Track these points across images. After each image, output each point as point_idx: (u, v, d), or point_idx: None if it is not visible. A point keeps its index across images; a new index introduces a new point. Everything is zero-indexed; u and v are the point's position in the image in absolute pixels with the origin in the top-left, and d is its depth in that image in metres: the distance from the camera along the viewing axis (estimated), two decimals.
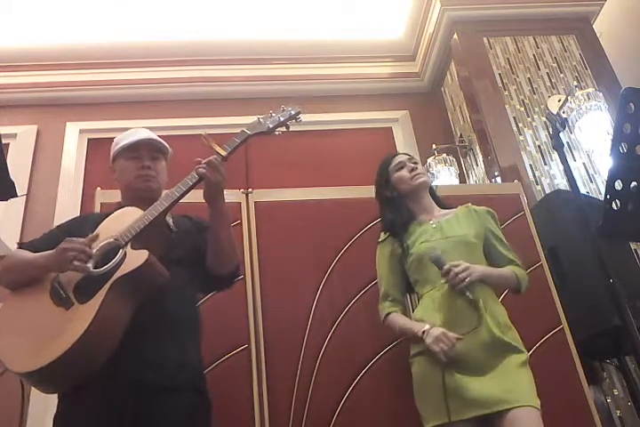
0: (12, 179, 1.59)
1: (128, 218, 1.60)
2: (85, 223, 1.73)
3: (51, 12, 3.66)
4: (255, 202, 2.42)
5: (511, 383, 1.68)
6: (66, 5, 3.64)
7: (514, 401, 1.64)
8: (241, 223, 2.36)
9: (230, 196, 2.37)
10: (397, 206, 2.01)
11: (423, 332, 1.73)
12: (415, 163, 2.05)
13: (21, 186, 3.27)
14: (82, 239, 1.50)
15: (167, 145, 1.87)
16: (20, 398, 1.63)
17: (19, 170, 3.37)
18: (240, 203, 2.40)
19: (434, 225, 1.94)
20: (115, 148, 1.84)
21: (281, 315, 2.21)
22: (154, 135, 1.85)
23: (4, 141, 1.57)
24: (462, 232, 1.90)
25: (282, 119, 1.75)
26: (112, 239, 1.54)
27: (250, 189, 2.46)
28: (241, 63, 4.00)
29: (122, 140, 1.83)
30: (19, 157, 3.51)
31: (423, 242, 1.90)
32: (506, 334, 1.77)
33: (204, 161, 1.61)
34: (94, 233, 1.55)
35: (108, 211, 1.82)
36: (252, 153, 3.62)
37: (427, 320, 1.78)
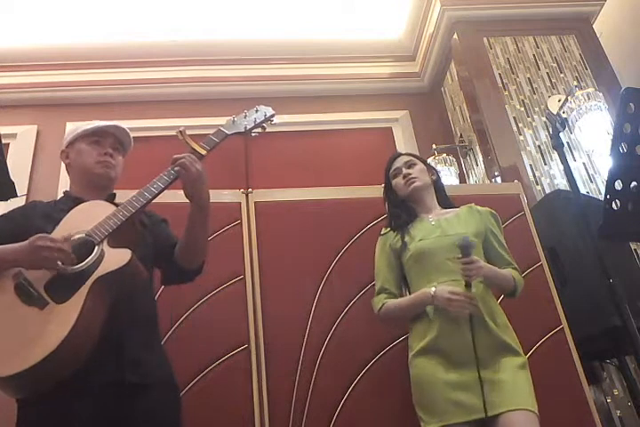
0: (12, 179, 1.58)
1: (98, 212, 1.53)
2: (34, 215, 1.64)
3: (51, 12, 3.66)
4: (255, 202, 2.42)
5: (513, 385, 1.68)
6: (66, 5, 3.64)
7: (511, 404, 1.63)
8: (241, 223, 2.36)
9: (230, 196, 2.38)
10: (401, 206, 2.04)
11: (432, 296, 1.75)
12: (410, 166, 2.05)
13: (21, 186, 3.27)
14: (57, 238, 1.42)
15: (131, 139, 1.84)
16: None
17: (19, 170, 3.37)
18: (240, 203, 2.40)
19: (433, 222, 1.95)
20: (74, 132, 1.79)
21: (281, 315, 2.21)
22: (122, 126, 1.81)
23: (4, 141, 1.55)
24: (462, 230, 1.90)
25: (257, 121, 1.78)
26: (83, 235, 1.47)
27: (250, 189, 2.46)
28: (240, 63, 4.00)
29: (83, 126, 1.78)
30: (19, 157, 3.51)
31: (421, 239, 1.90)
32: (506, 333, 1.78)
33: (179, 156, 1.59)
34: (67, 233, 1.45)
35: (54, 200, 1.77)
36: (252, 153, 3.62)
37: (426, 325, 1.79)
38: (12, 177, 1.58)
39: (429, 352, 1.75)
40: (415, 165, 2.07)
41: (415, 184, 2.01)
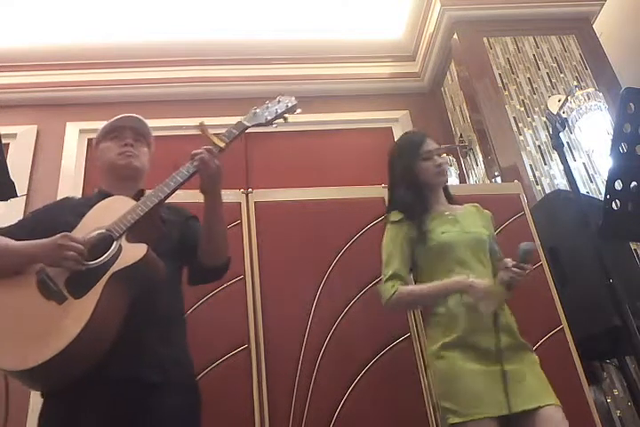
0: (12, 179, 1.58)
1: (119, 207, 1.54)
2: (64, 209, 1.67)
3: (51, 12, 3.66)
4: (255, 202, 2.42)
5: (539, 380, 1.71)
6: (66, 5, 3.64)
7: (546, 399, 1.66)
8: (241, 223, 2.36)
9: (230, 196, 2.38)
10: (417, 193, 1.95)
11: (470, 286, 1.73)
12: (440, 155, 2.00)
13: (21, 186, 3.27)
14: (80, 238, 1.44)
15: (150, 129, 1.84)
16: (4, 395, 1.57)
17: (19, 170, 3.37)
18: (240, 203, 2.40)
19: (450, 217, 1.94)
20: (97, 134, 1.82)
21: (281, 315, 2.21)
22: (138, 116, 1.82)
23: (4, 141, 1.55)
24: (478, 229, 1.92)
25: (279, 111, 1.72)
26: (103, 230, 1.48)
27: (250, 189, 2.46)
28: (241, 63, 4.00)
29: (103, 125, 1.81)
30: (19, 157, 3.51)
31: (444, 232, 1.88)
32: (519, 334, 1.80)
33: (198, 151, 1.57)
34: (89, 233, 1.48)
35: (87, 196, 1.78)
36: (252, 153, 3.63)
37: (452, 318, 1.77)
38: (12, 177, 1.58)
39: (459, 346, 1.72)
40: (442, 155, 2.02)
41: (445, 178, 1.99)
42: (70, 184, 3.50)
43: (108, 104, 3.78)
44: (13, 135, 3.61)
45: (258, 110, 1.72)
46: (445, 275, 1.82)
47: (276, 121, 1.72)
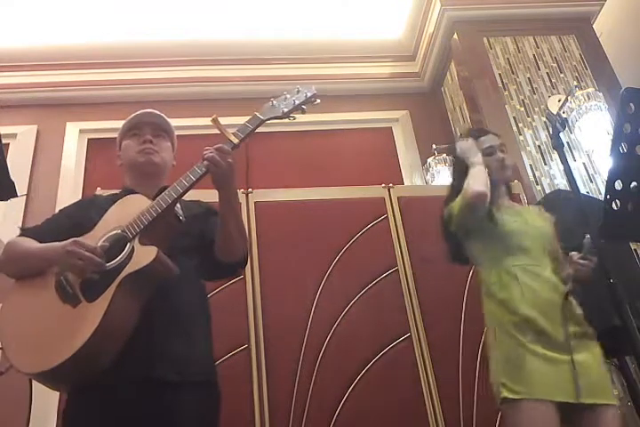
0: (12, 179, 1.58)
1: (134, 206, 1.54)
2: (91, 208, 1.67)
3: (51, 12, 3.66)
4: (255, 202, 2.42)
5: (606, 373, 1.71)
6: (66, 5, 3.64)
7: (607, 396, 1.67)
8: None
9: None
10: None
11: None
12: (503, 150, 2.03)
13: (21, 186, 3.27)
14: (91, 245, 1.43)
15: (170, 123, 1.84)
16: (27, 394, 1.61)
17: (19, 170, 3.37)
18: (240, 203, 2.40)
19: (512, 210, 1.94)
20: (118, 132, 1.82)
21: (281, 315, 2.21)
22: (157, 112, 1.82)
23: (4, 141, 1.55)
24: (541, 224, 1.92)
25: (297, 102, 1.62)
26: (119, 231, 1.48)
27: (250, 189, 2.46)
28: (241, 63, 4.00)
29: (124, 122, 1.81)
30: (19, 157, 3.51)
31: (512, 222, 1.88)
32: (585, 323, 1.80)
33: (209, 152, 1.54)
34: (101, 238, 1.48)
35: (115, 193, 1.76)
36: (252, 153, 3.63)
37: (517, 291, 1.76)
38: (12, 177, 1.58)
39: (527, 328, 1.70)
40: (505, 151, 2.03)
41: (508, 174, 2.00)
42: (70, 184, 3.50)
43: (107, 104, 3.78)
44: (13, 135, 3.61)
45: (275, 102, 1.64)
46: (508, 260, 1.81)
47: (294, 113, 1.63)
